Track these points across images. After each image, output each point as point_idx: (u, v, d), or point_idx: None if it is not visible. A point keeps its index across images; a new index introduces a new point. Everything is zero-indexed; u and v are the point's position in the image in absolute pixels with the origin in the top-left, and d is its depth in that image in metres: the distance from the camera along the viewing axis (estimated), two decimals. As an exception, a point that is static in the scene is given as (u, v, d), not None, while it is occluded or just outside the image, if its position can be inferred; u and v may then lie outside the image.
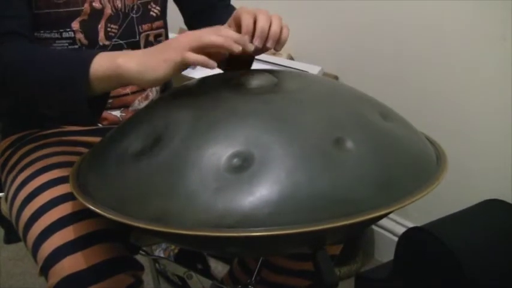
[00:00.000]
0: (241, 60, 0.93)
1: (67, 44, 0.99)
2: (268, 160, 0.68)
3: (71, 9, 0.98)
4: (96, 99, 0.85)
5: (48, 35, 0.99)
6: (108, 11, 1.01)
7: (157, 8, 1.09)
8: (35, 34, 0.98)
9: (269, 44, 0.86)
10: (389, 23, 1.59)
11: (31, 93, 0.87)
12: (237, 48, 0.78)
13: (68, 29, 0.99)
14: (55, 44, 0.99)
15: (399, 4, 1.55)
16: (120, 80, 0.81)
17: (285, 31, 0.88)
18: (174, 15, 1.19)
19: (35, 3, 0.96)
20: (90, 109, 0.83)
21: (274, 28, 0.86)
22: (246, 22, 0.86)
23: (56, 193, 0.90)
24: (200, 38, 0.78)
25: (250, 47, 0.82)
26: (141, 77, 0.79)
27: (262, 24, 0.86)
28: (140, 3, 1.05)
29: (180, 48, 0.77)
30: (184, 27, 1.21)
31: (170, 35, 1.18)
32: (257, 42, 0.85)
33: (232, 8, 1.14)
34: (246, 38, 0.83)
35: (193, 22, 1.18)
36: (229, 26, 0.91)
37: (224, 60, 0.89)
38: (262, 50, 0.88)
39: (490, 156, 1.44)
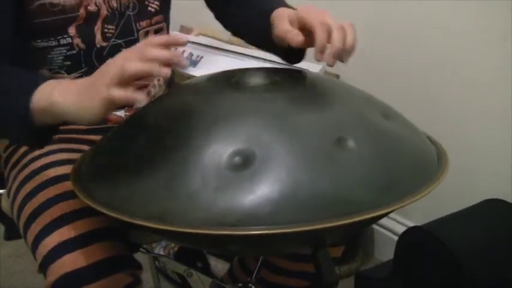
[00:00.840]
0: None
1: (65, 51, 0.98)
2: (270, 159, 0.68)
3: (67, 15, 0.96)
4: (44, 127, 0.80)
5: (45, 44, 0.98)
6: (104, 12, 1.00)
7: (156, 2, 1.07)
8: (32, 44, 0.97)
9: (330, 63, 0.80)
10: (391, 23, 1.59)
11: None
12: (166, 74, 0.70)
13: (65, 35, 0.97)
14: (53, 52, 0.98)
15: (400, 4, 1.55)
16: (57, 117, 0.76)
17: (349, 40, 0.81)
18: (173, 12, 1.18)
19: (31, 13, 0.94)
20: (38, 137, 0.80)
21: (350, 43, 0.80)
22: (320, 38, 0.79)
23: (58, 191, 0.90)
24: (123, 70, 0.69)
25: (184, 64, 0.73)
26: (79, 118, 0.74)
27: (338, 43, 0.79)
28: (136, 0, 1.04)
29: (105, 85, 0.70)
30: (185, 24, 1.21)
31: (170, 32, 1.18)
32: (331, 62, 0.79)
33: None
34: (177, 54, 0.73)
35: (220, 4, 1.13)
36: (292, 25, 0.86)
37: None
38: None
39: (490, 156, 1.45)
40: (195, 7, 1.18)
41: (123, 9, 1.02)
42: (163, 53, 0.71)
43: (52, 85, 0.77)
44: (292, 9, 0.94)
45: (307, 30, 0.85)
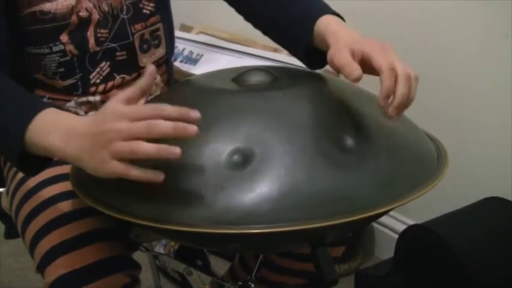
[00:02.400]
0: None
1: (58, 57, 0.97)
2: (269, 157, 0.68)
3: (59, 23, 0.95)
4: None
5: (38, 51, 0.96)
6: (96, 16, 0.97)
7: (151, 4, 1.04)
8: (26, 50, 0.96)
9: (399, 114, 0.74)
10: (390, 21, 1.59)
11: None
12: (175, 155, 0.67)
13: (58, 43, 0.96)
14: (46, 59, 0.97)
15: (400, 2, 1.55)
16: (56, 156, 0.77)
17: (412, 94, 0.76)
18: (174, 10, 1.16)
19: (22, 20, 0.93)
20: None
21: (412, 96, 0.75)
22: (388, 85, 0.74)
23: (56, 190, 0.90)
24: (131, 149, 0.68)
25: (192, 132, 0.67)
26: (84, 169, 0.74)
27: (402, 97, 0.73)
28: (130, 3, 1.00)
29: (109, 157, 0.69)
30: (186, 23, 1.20)
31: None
32: (393, 114, 0.73)
33: None
34: (185, 125, 0.68)
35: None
36: (353, 57, 0.78)
37: None
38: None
39: (490, 154, 1.44)
40: (195, 5, 1.18)
41: (115, 13, 0.99)
42: (170, 127, 0.67)
43: (50, 125, 0.76)
44: (341, 22, 0.89)
45: (367, 65, 0.78)
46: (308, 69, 0.93)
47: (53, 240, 0.85)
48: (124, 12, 1.00)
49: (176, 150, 0.66)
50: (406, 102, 0.74)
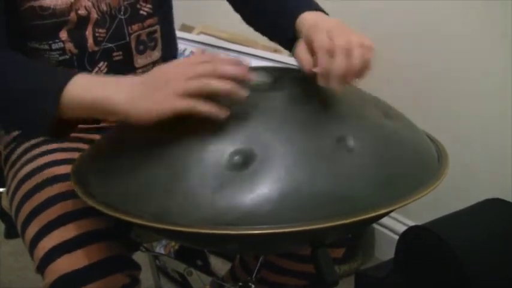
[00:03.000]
0: None
1: (57, 55, 0.97)
2: (269, 158, 0.68)
3: (58, 19, 0.95)
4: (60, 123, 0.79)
5: (38, 46, 0.97)
6: (94, 15, 0.98)
7: (148, 5, 1.05)
8: (28, 44, 0.97)
9: (346, 82, 0.75)
10: (390, 21, 1.59)
11: None
12: (243, 95, 0.71)
13: (57, 40, 0.96)
14: (46, 56, 0.97)
15: (401, 4, 1.55)
16: (100, 112, 0.76)
17: (367, 64, 0.78)
18: (175, 11, 1.16)
19: (22, 15, 0.93)
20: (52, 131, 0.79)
21: (354, 66, 0.75)
22: (322, 60, 0.75)
23: (56, 191, 0.90)
24: (201, 84, 0.70)
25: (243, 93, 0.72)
26: (128, 116, 0.73)
27: (337, 71, 0.74)
28: (128, 3, 1.01)
29: (166, 96, 0.70)
30: (186, 23, 1.20)
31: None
32: (335, 87, 0.74)
33: None
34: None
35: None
36: (306, 44, 0.80)
37: None
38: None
39: (491, 155, 1.44)
40: (196, 5, 1.18)
41: (114, 13, 1.00)
42: (233, 69, 0.71)
43: (97, 80, 0.78)
44: (318, 15, 0.91)
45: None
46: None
47: (53, 240, 0.84)
48: (122, 13, 1.01)
49: (243, 91, 0.71)
50: (351, 73, 0.75)
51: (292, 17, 0.91)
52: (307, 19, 0.89)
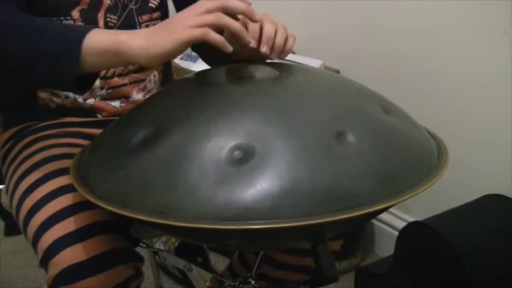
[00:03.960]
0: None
1: None
2: (269, 153, 0.68)
3: None
4: (84, 78, 0.83)
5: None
6: (107, 1, 1.01)
7: (157, 0, 1.09)
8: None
9: (272, 55, 0.88)
10: (390, 17, 1.59)
11: (13, 57, 0.83)
12: (250, 42, 0.81)
13: (68, 17, 0.98)
14: None
15: (399, 2, 1.55)
16: (119, 56, 0.79)
17: (290, 41, 0.89)
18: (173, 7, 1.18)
19: None
20: (76, 86, 0.82)
21: (279, 39, 0.87)
22: (252, 29, 0.86)
23: (57, 184, 0.90)
24: (213, 17, 0.77)
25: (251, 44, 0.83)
26: (146, 53, 0.77)
27: (268, 32, 0.87)
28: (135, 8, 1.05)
29: (183, 27, 0.76)
30: None
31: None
32: (264, 49, 0.86)
33: None
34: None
35: None
36: None
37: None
38: (264, 58, 0.89)
39: (491, 151, 1.44)
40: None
41: (125, 2, 1.04)
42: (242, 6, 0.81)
43: (113, 30, 0.82)
44: None
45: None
46: (308, 66, 0.93)
47: (56, 233, 0.85)
48: (133, 3, 1.05)
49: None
50: (277, 48, 0.88)
51: None
52: None
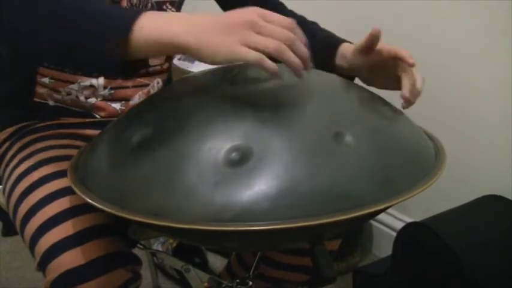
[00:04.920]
0: None
1: None
2: (267, 154, 0.68)
3: None
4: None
5: None
6: (124, 3, 1.00)
7: (173, 9, 1.09)
8: None
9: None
10: (389, 18, 1.59)
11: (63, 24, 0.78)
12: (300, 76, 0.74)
13: None
14: None
15: (400, 1, 1.55)
16: (170, 49, 0.74)
17: None
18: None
19: None
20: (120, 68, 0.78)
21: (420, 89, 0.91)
22: (409, 85, 0.90)
23: (54, 187, 0.90)
24: (278, 47, 0.70)
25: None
26: (197, 52, 0.72)
27: (420, 87, 0.90)
28: (155, 2, 1.04)
29: (238, 43, 0.69)
30: None
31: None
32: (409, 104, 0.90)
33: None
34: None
35: None
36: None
37: None
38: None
39: (489, 152, 1.44)
40: (195, 2, 1.18)
41: (141, 7, 1.03)
42: (306, 52, 0.73)
43: (165, 17, 0.77)
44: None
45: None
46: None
47: (53, 237, 0.84)
48: (149, 9, 1.03)
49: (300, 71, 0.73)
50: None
51: (334, 47, 1.03)
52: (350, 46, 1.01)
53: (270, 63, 0.70)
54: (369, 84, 1.01)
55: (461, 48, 1.45)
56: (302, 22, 1.08)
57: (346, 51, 1.01)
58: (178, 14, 0.77)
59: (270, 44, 0.69)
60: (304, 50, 0.72)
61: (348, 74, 1.01)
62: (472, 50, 1.43)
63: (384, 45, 0.94)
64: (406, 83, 0.91)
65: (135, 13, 0.75)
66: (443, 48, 1.49)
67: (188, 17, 0.74)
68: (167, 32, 0.73)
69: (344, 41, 1.04)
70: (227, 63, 0.71)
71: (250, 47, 0.69)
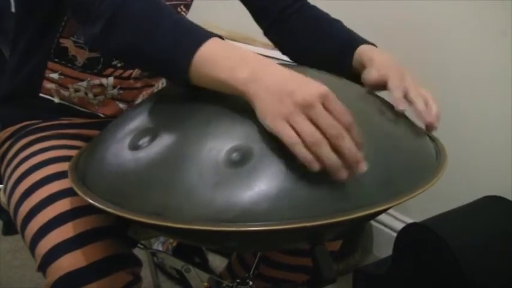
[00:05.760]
0: None
1: None
2: (267, 155, 0.68)
3: None
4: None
5: None
6: None
7: (186, 11, 1.09)
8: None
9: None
10: (389, 18, 1.59)
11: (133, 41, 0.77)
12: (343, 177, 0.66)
13: None
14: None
15: (401, 1, 1.55)
16: (227, 90, 0.71)
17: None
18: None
19: None
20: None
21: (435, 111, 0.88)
22: (421, 107, 0.87)
23: (54, 189, 0.89)
24: (313, 136, 0.65)
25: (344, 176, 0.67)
26: (249, 102, 0.69)
27: (436, 112, 0.88)
28: (170, 4, 1.04)
29: (283, 116, 0.66)
30: (207, 18, 1.19)
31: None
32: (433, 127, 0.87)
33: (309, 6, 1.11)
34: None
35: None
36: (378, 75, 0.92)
37: None
38: None
39: (489, 153, 1.44)
40: (195, 2, 1.18)
41: None
42: (356, 152, 0.66)
43: (231, 54, 0.72)
44: (374, 49, 1.00)
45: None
46: (307, 67, 0.93)
47: (53, 239, 0.84)
48: None
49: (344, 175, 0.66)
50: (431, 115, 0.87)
51: (352, 49, 0.99)
52: (367, 51, 0.99)
53: (301, 151, 0.65)
54: None
55: (462, 48, 1.45)
56: (325, 19, 1.08)
57: (364, 55, 0.98)
58: (246, 53, 0.72)
59: (309, 133, 0.65)
60: (353, 151, 0.65)
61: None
62: (472, 49, 1.42)
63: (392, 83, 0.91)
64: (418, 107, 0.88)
65: (198, 39, 0.72)
66: (444, 47, 1.48)
67: (258, 61, 0.71)
68: (231, 77, 0.70)
69: (364, 42, 1.02)
70: (268, 129, 0.67)
71: (291, 126, 0.65)
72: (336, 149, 0.65)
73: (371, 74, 0.93)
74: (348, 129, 0.66)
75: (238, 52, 0.72)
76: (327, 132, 0.65)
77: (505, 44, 1.34)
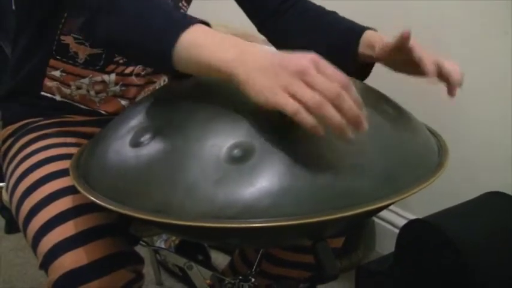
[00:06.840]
0: None
1: None
2: (269, 151, 0.68)
3: None
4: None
5: None
6: None
7: (187, 6, 1.09)
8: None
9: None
10: (390, 16, 1.58)
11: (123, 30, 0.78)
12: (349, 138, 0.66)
13: None
14: None
15: (401, 1, 1.54)
16: (214, 73, 0.71)
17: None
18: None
19: None
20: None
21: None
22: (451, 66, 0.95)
23: (56, 186, 0.89)
24: (316, 100, 0.64)
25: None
26: (242, 88, 0.68)
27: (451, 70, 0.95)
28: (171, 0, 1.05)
29: (283, 87, 0.65)
30: (206, 14, 1.20)
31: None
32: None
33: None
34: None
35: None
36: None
37: None
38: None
39: (491, 149, 1.44)
40: (197, 2, 1.18)
41: None
42: (357, 112, 0.65)
43: (217, 36, 0.72)
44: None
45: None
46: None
47: (55, 237, 0.84)
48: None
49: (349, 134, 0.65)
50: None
51: (357, 36, 1.00)
52: (374, 34, 1.01)
53: (305, 117, 0.64)
54: (398, 71, 1.01)
55: (462, 47, 1.44)
56: (322, 12, 1.08)
57: (372, 40, 0.98)
58: (230, 37, 0.73)
59: (310, 97, 0.64)
60: (354, 110, 0.65)
61: (369, 62, 1.00)
62: (473, 49, 1.42)
63: (415, 46, 0.94)
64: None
65: (181, 25, 0.73)
66: (444, 47, 1.48)
67: (242, 44, 0.71)
68: (218, 59, 0.70)
69: (367, 28, 1.01)
70: (267, 106, 0.66)
71: (290, 96, 0.65)
72: (337, 110, 0.65)
73: (391, 40, 0.93)
74: (345, 89, 0.65)
75: (221, 36, 0.73)
76: (326, 94, 0.64)
77: (506, 43, 1.34)
